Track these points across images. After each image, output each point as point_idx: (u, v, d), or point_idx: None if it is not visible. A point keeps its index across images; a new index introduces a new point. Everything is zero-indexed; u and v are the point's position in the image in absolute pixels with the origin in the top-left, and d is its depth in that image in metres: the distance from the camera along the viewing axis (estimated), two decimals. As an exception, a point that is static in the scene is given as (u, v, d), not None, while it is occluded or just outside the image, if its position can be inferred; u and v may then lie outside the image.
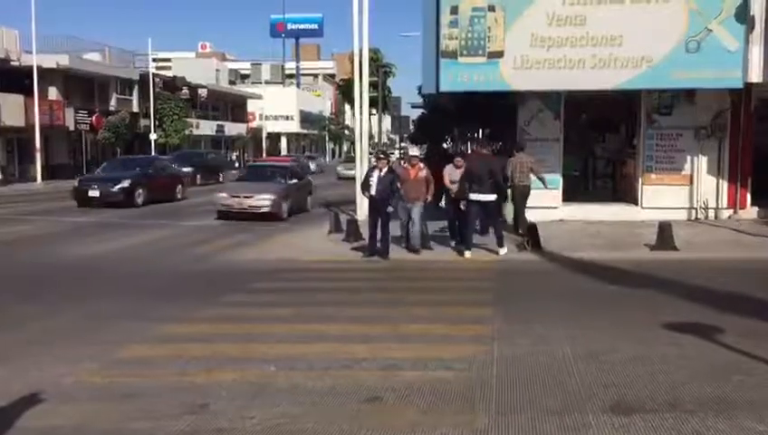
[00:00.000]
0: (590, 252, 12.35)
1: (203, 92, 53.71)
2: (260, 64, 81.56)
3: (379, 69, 35.93)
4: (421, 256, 12.42)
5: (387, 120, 65.51)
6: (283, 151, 70.49)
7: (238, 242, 14.75)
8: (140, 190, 22.87)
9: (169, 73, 53.56)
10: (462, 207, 12.50)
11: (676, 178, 16.23)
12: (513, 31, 14.42)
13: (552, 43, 14.42)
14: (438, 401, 5.49)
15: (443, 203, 12.74)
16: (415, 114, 57.59)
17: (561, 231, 14.52)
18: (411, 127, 55.54)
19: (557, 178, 16.38)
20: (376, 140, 35.40)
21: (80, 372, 6.19)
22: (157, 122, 44.73)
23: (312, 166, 50.50)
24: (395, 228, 12.65)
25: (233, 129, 61.32)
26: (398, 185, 12.34)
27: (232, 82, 71.36)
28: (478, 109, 21.90)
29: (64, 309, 8.66)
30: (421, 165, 12.79)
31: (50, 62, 36.55)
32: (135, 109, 45.67)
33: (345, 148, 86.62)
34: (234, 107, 64.08)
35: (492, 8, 14.45)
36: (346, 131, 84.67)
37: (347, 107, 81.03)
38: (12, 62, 35.99)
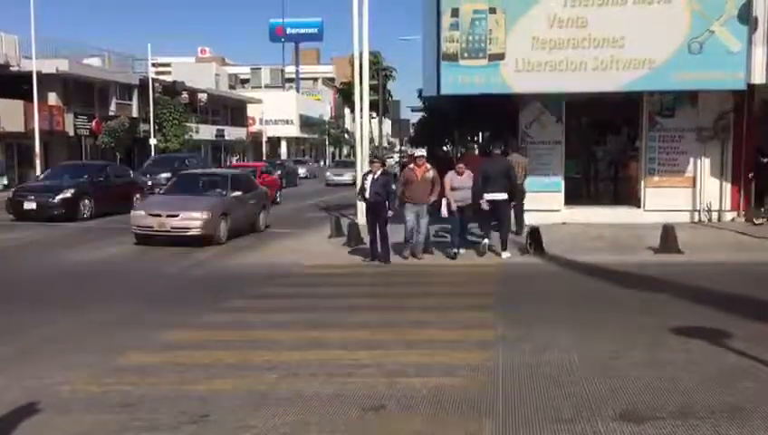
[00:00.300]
0: (593, 255, 12.25)
1: (203, 97, 53.64)
2: (259, 69, 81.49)
3: (379, 72, 35.82)
4: (423, 260, 12.31)
5: (387, 124, 65.52)
6: (283, 156, 70.29)
7: (238, 247, 14.63)
8: (87, 201, 19.70)
9: (169, 78, 53.50)
10: (485, 206, 12.35)
11: (678, 181, 16.14)
12: (514, 33, 14.34)
13: (554, 45, 14.34)
14: (443, 409, 5.37)
15: (444, 212, 12.31)
16: (415, 118, 57.52)
17: (564, 234, 14.42)
18: (411, 130, 55.48)
19: (559, 181, 16.30)
20: (376, 144, 35.25)
21: (77, 380, 6.07)
22: (156, 127, 44.63)
23: (302, 171, 49.14)
24: (398, 232, 12.51)
25: (233, 133, 61.23)
26: (394, 186, 12.33)
27: (232, 87, 71.26)
28: (479, 111, 21.82)
29: (63, 316, 8.54)
30: (428, 165, 12.40)
31: (49, 67, 36.42)
32: (135, 114, 45.57)
33: (345, 151, 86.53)
34: (233, 111, 64.01)
35: (493, 10, 14.37)
36: (346, 135, 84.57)
37: (347, 111, 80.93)
38: (11, 68, 35.90)
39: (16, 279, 11.34)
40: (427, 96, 20.69)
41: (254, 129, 67.04)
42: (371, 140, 32.13)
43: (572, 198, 16.60)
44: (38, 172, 34.22)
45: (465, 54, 14.39)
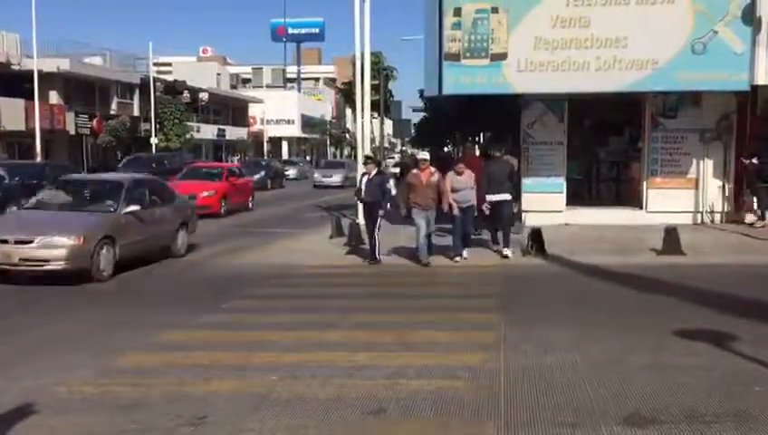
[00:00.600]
0: (595, 256, 12.17)
1: (204, 96, 53.60)
2: (261, 68, 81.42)
3: (381, 72, 35.78)
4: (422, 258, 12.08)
5: (388, 124, 65.38)
6: (285, 156, 70.06)
7: (238, 246, 14.56)
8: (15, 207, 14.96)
9: (170, 78, 53.47)
10: (486, 209, 12.34)
11: (681, 182, 16.04)
12: (516, 33, 14.26)
13: (556, 44, 14.26)
14: (444, 412, 5.29)
15: (446, 208, 12.25)
16: (416, 118, 57.51)
17: (566, 235, 14.34)
18: (412, 131, 55.46)
19: (561, 182, 16.22)
20: (377, 144, 35.18)
21: (75, 381, 6.00)
22: (157, 126, 44.59)
23: (292, 172, 46.89)
24: (395, 233, 12.45)
25: (234, 133, 61.18)
26: (390, 184, 12.29)
27: (233, 87, 71.22)
28: (480, 112, 21.76)
29: (63, 316, 8.47)
30: (432, 169, 12.04)
31: (51, 66, 36.37)
32: (136, 113, 45.54)
33: (346, 152, 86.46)
34: (235, 111, 63.98)
35: (495, 10, 14.29)
36: (347, 135, 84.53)
37: (348, 111, 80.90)
38: (12, 67, 35.86)
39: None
40: (429, 96, 20.62)
41: (255, 128, 66.99)
42: (372, 141, 32.04)
43: (574, 199, 16.51)
44: (39, 171, 34.23)
45: (468, 54, 14.32)
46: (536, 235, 12.65)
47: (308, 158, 72.92)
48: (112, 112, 42.98)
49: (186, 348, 7.06)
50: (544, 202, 15.88)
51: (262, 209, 23.65)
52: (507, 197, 12.53)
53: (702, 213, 15.93)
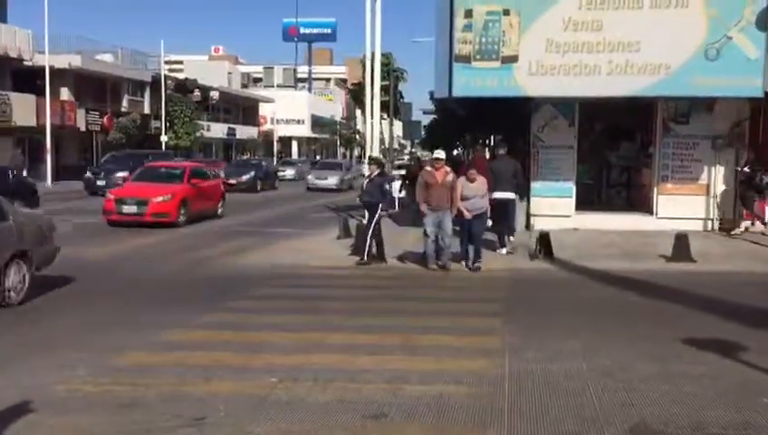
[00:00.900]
0: (604, 262, 12.06)
1: (214, 95, 53.70)
2: (272, 68, 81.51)
3: (391, 73, 35.61)
4: (451, 269, 11.63)
5: (398, 126, 65.33)
6: (294, 155, 69.97)
7: (242, 246, 14.51)
8: None
9: (181, 76, 53.59)
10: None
11: (692, 188, 15.87)
12: (528, 35, 14.16)
13: (568, 48, 14.16)
14: (446, 419, 5.21)
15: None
16: (426, 120, 57.43)
17: (574, 240, 14.22)
18: (422, 132, 55.35)
19: (570, 186, 16.10)
20: (386, 146, 35.11)
21: (74, 380, 5.95)
22: (168, 124, 44.67)
23: (290, 173, 43.86)
24: (405, 235, 12.36)
25: (244, 132, 61.26)
26: (391, 186, 12.27)
27: (244, 86, 71.34)
28: (490, 114, 21.63)
29: (62, 314, 8.43)
30: (447, 169, 11.71)
31: (62, 62, 36.53)
32: (146, 110, 45.67)
33: (356, 152, 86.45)
34: (245, 110, 64.09)
35: (507, 12, 14.19)
36: (357, 136, 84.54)
37: (358, 112, 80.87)
38: (24, 62, 36.03)
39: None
40: (439, 98, 20.51)
41: (265, 128, 67.04)
42: (382, 142, 31.88)
43: (584, 203, 16.39)
44: (49, 167, 34.40)
45: (478, 56, 14.23)
46: (544, 239, 12.54)
47: (318, 157, 72.74)
48: (123, 110, 43.12)
49: (186, 348, 7.00)
50: (553, 206, 15.76)
51: (235, 216, 20.31)
52: (512, 195, 12.88)
53: (713, 220, 15.78)
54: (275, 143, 66.32)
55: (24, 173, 33.80)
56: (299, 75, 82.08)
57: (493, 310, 8.76)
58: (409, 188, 17.16)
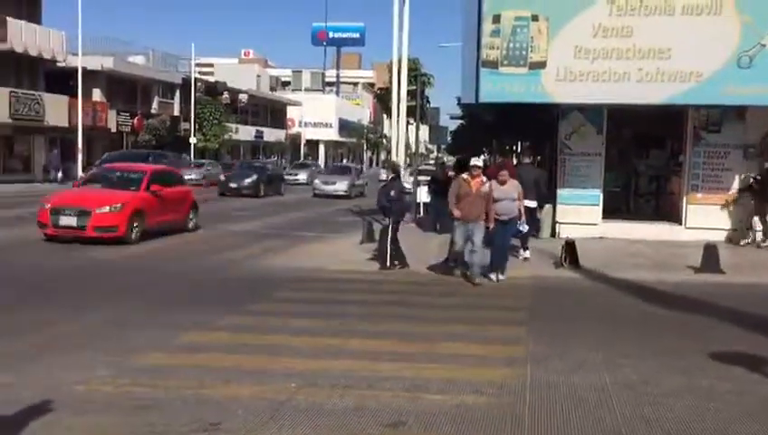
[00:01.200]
0: (631, 272, 11.87)
1: (243, 98, 54.12)
2: (301, 72, 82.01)
3: (418, 78, 35.47)
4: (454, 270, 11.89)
5: (425, 131, 65.25)
6: (321, 159, 70.16)
7: (266, 249, 14.53)
8: None
9: (211, 78, 54.10)
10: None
11: (722, 198, 15.61)
12: (556, 41, 14.02)
13: (597, 54, 14.00)
14: (465, 428, 5.13)
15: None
16: (453, 125, 57.27)
17: (600, 249, 14.04)
18: (449, 138, 55.09)
19: (597, 194, 15.90)
20: (413, 150, 34.96)
21: (92, 380, 5.96)
22: (197, 126, 45.08)
23: (302, 176, 41.47)
24: (422, 241, 12.27)
25: (271, 135, 61.63)
26: (393, 193, 12.12)
27: (272, 89, 71.84)
28: (517, 121, 21.49)
29: (82, 314, 8.48)
30: (483, 178, 10.94)
31: (95, 64, 37.09)
32: (176, 112, 46.18)
33: (383, 156, 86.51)
34: (273, 113, 64.50)
35: (535, 18, 14.07)
36: (384, 140, 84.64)
37: (385, 116, 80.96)
38: (58, 63, 36.64)
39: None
40: (466, 103, 20.41)
41: (293, 131, 67.39)
42: (408, 146, 31.61)
43: (611, 212, 16.18)
44: (80, 167, 34.87)
45: (506, 62, 14.12)
46: (570, 247, 12.39)
47: (344, 161, 72.86)
48: (153, 111, 43.64)
49: (206, 350, 6.99)
50: (580, 214, 15.61)
51: (209, 231, 17.14)
52: (533, 204, 13.23)
53: (743, 231, 15.47)
54: (302, 146, 66.62)
55: (60, 174, 34.38)
56: (327, 79, 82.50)
57: (516, 318, 8.66)
58: (434, 195, 17.01)
